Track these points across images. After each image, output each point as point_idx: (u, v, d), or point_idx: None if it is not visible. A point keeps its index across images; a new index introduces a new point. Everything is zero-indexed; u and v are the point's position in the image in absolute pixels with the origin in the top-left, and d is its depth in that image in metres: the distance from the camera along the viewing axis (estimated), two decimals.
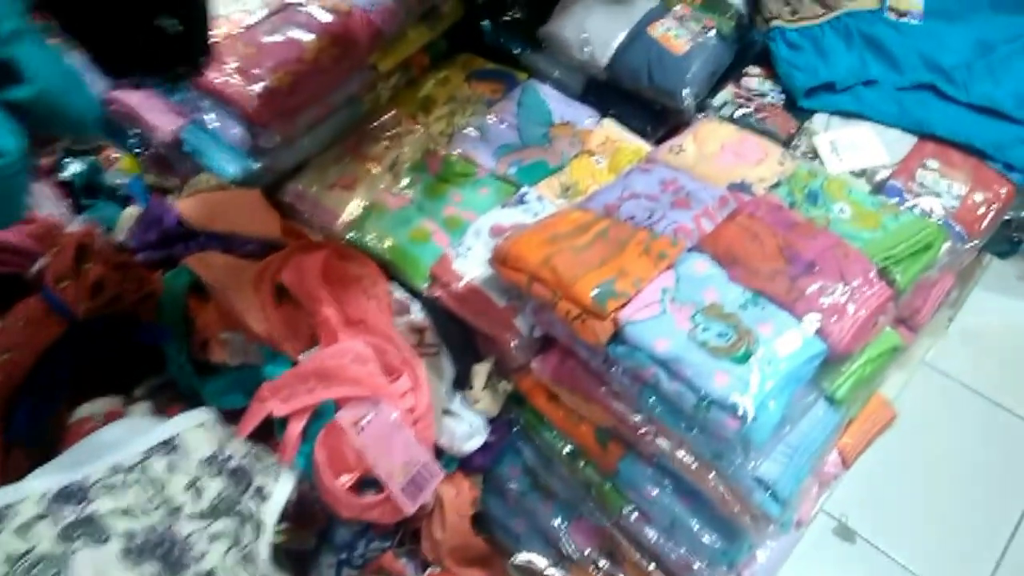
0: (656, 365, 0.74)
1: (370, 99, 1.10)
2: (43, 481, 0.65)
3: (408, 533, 1.01)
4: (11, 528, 0.60)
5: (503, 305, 0.90)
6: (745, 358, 0.72)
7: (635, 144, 1.05)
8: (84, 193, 1.23)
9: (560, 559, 0.99)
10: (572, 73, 1.13)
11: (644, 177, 0.94)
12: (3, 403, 0.84)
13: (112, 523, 0.62)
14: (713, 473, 0.77)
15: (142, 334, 0.92)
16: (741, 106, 1.06)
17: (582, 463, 0.92)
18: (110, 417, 0.81)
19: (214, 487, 0.69)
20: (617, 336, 0.77)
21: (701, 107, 1.07)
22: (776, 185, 0.92)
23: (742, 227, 0.84)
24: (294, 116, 1.00)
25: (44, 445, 0.84)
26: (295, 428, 0.87)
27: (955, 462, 1.45)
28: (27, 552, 0.59)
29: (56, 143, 1.21)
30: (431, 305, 0.93)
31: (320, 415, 0.88)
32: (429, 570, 1.00)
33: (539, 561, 0.97)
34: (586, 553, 0.98)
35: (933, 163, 1.00)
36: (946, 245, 0.88)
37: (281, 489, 0.74)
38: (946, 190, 0.97)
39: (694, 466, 0.78)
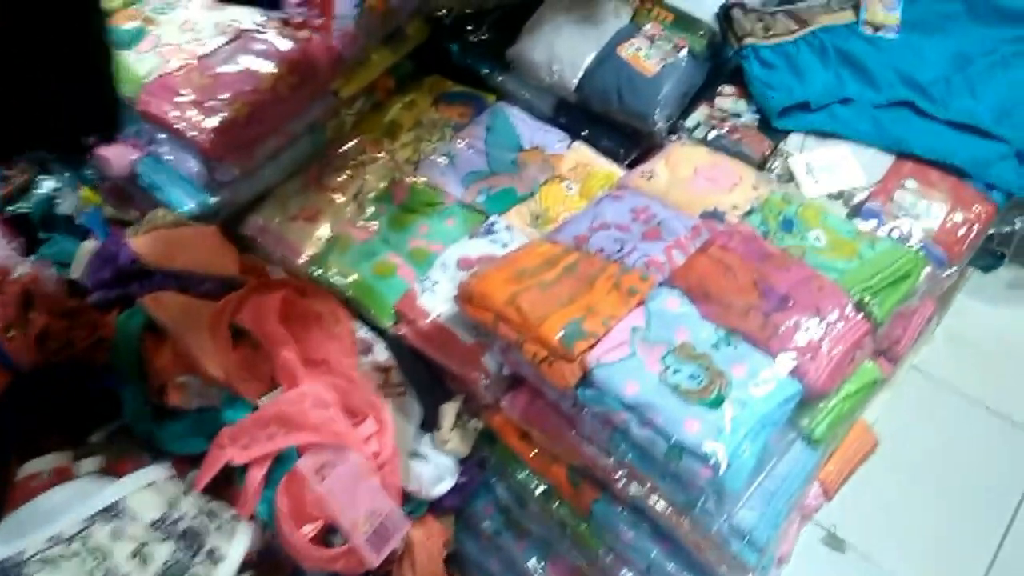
0: (626, 410, 0.71)
1: (333, 126, 1.07)
2: None
3: None
4: None
5: (470, 343, 0.87)
6: (718, 403, 0.69)
7: (607, 169, 1.02)
8: (42, 226, 1.19)
9: None
10: (542, 94, 1.10)
11: (615, 205, 0.91)
12: None
13: None
14: (687, 520, 0.74)
15: (94, 381, 0.89)
16: (714, 127, 1.03)
17: (556, 503, 0.89)
18: (58, 474, 0.77)
19: (162, 553, 0.65)
20: (586, 379, 0.74)
21: (673, 129, 1.04)
22: (749, 212, 0.89)
23: (714, 259, 0.81)
24: (253, 148, 0.97)
25: None
26: (255, 476, 0.84)
27: (943, 467, 1.43)
28: None
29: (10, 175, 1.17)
30: (396, 343, 0.90)
31: (283, 460, 0.85)
32: None
33: None
34: None
35: (911, 183, 0.97)
36: (926, 271, 0.86)
37: (236, 550, 0.70)
38: (925, 211, 0.94)
39: (668, 512, 0.75)
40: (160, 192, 0.98)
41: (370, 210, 1.00)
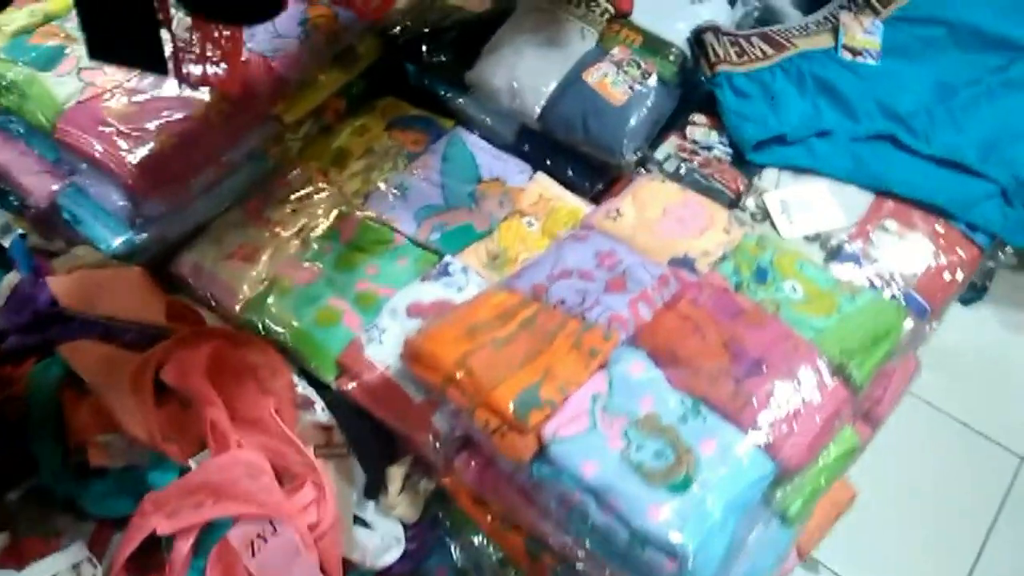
0: (584, 492, 0.64)
1: (276, 153, 0.98)
2: None
3: None
4: None
5: (419, 400, 0.80)
6: (684, 486, 0.63)
7: (571, 204, 0.95)
8: None
9: None
10: (504, 120, 1.03)
11: (578, 248, 0.85)
12: None
13: None
14: None
15: (5, 439, 0.81)
16: (685, 160, 0.97)
17: (514, 572, 0.82)
18: None
19: None
20: (542, 453, 0.67)
21: (642, 161, 0.97)
22: (722, 259, 0.83)
23: (683, 316, 0.75)
24: (184, 181, 0.89)
25: None
26: (182, 548, 0.76)
27: (917, 484, 1.42)
28: None
29: None
30: (339, 399, 0.82)
31: (215, 527, 0.78)
32: None
33: None
34: None
35: (891, 224, 0.92)
36: (908, 325, 0.80)
37: None
38: (906, 256, 0.89)
39: None
40: (83, 226, 0.90)
41: (314, 248, 0.92)
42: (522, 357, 0.72)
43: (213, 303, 0.89)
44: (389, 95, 1.08)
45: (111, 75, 0.89)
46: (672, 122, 1.01)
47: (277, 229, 0.93)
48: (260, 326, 0.85)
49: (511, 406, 0.68)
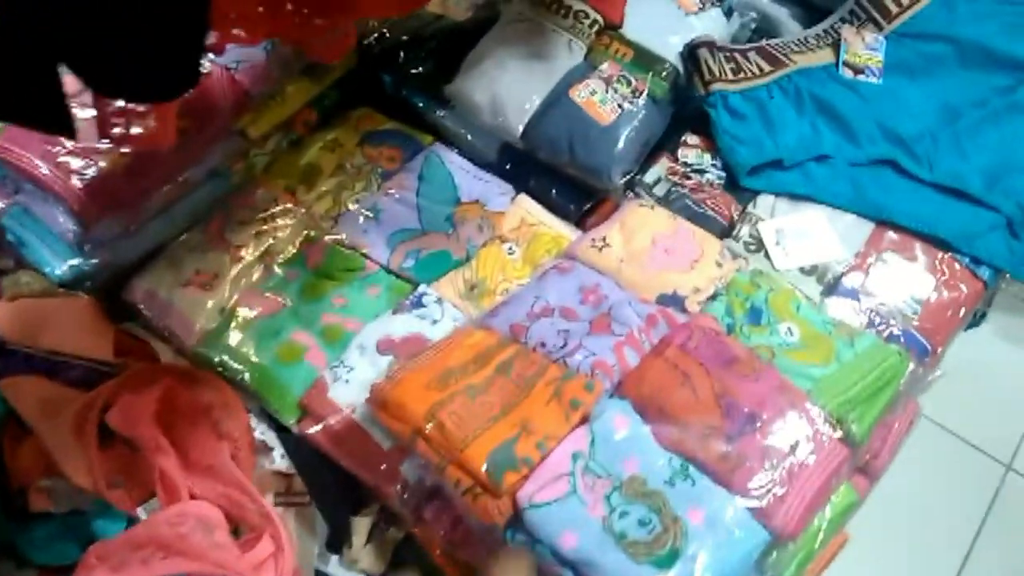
0: (562, 566, 0.59)
1: (240, 170, 0.92)
2: None
3: None
4: None
5: (387, 446, 0.74)
6: (671, 559, 0.58)
7: (555, 230, 0.90)
8: None
9: None
10: (486, 136, 0.96)
11: (561, 281, 0.79)
12: None
13: None
14: None
15: None
16: (676, 184, 0.91)
17: None
18: None
19: None
20: (517, 519, 0.62)
21: (631, 184, 0.92)
22: (713, 297, 0.78)
23: (672, 365, 0.69)
24: (137, 202, 0.82)
25: None
26: None
27: (904, 492, 1.37)
28: None
29: None
30: (301, 443, 0.77)
31: None
32: None
33: None
34: None
35: (892, 257, 0.87)
36: (909, 369, 0.75)
37: None
38: (906, 291, 0.84)
39: None
40: (27, 250, 0.83)
41: (278, 274, 0.86)
42: (498, 409, 0.67)
43: (167, 334, 0.83)
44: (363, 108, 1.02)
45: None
46: (663, 140, 0.95)
47: (239, 253, 0.86)
48: (217, 361, 0.79)
49: (484, 466, 0.62)
